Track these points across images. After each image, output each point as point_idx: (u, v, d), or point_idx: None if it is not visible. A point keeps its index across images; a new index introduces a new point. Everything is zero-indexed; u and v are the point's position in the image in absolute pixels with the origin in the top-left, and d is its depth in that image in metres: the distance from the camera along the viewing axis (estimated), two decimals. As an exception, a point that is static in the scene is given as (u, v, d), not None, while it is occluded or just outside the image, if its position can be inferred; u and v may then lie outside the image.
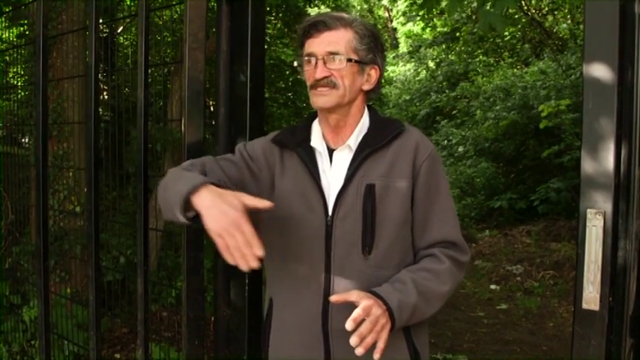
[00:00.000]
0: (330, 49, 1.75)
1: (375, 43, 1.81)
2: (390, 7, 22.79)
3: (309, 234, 1.78)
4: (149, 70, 2.47)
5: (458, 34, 16.39)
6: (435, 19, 17.37)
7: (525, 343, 5.28)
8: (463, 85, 14.41)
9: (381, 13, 24.96)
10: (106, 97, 5.68)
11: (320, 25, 1.77)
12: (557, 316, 6.06)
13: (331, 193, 1.79)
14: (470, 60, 15.88)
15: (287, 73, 10.11)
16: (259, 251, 1.44)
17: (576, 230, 1.73)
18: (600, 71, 1.68)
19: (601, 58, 1.68)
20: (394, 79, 20.66)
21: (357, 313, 1.54)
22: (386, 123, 1.86)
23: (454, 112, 14.66)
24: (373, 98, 1.94)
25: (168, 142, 5.14)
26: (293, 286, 1.81)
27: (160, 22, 5.00)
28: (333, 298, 1.63)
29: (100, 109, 5.67)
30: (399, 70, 21.48)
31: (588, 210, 1.69)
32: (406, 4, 18.21)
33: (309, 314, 1.78)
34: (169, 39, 6.03)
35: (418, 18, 18.12)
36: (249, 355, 2.49)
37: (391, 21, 24.41)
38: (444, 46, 17.62)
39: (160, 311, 4.76)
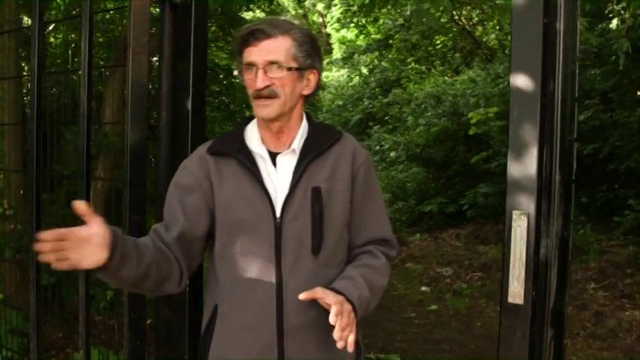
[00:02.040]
0: (270, 58, 1.77)
1: (313, 48, 1.84)
2: (324, 13, 22.98)
3: (257, 238, 1.81)
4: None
5: (391, 41, 16.69)
6: (368, 26, 17.64)
7: (455, 342, 5.46)
8: (396, 92, 14.66)
9: (315, 18, 25.14)
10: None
11: (258, 34, 1.78)
12: (485, 315, 6.28)
13: (278, 197, 1.82)
14: (402, 67, 16.17)
15: (221, 76, 10.09)
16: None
17: (503, 233, 1.86)
18: (525, 83, 1.81)
19: (526, 71, 1.81)
20: (327, 84, 20.81)
21: (336, 308, 1.62)
22: (324, 128, 1.96)
23: (386, 117, 14.90)
24: (311, 101, 2.00)
25: (103, 145, 5.09)
26: (243, 290, 1.82)
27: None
28: (301, 296, 1.67)
29: (27, 111, 5.56)
30: (333, 75, 21.66)
31: (514, 211, 1.82)
32: (341, 10, 18.41)
33: (261, 316, 1.81)
34: (101, 39, 5.97)
35: (352, 25, 18.37)
36: (190, 356, 2.53)
37: (325, 26, 24.62)
38: (377, 53, 17.90)
39: (93, 316, 4.72)
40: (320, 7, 22.48)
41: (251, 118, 1.96)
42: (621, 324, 5.29)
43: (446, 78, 13.80)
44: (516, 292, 1.80)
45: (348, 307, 1.68)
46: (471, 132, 9.25)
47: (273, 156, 1.87)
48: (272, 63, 1.77)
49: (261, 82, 1.77)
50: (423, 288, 7.38)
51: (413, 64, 16.15)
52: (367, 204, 1.93)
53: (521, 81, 1.81)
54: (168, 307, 2.54)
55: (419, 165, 11.82)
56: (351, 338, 1.63)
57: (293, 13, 22.99)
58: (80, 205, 1.48)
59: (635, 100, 8.06)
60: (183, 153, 2.49)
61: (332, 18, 21.27)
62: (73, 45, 5.86)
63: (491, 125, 8.97)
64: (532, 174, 1.80)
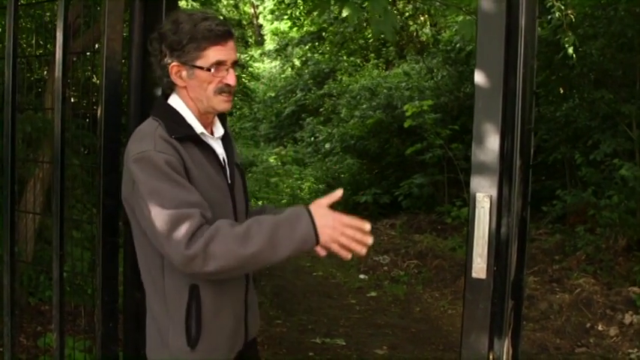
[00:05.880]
0: (235, 58, 1.90)
1: None
2: (256, 4, 22.95)
3: (225, 212, 1.92)
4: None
5: (324, 34, 16.86)
6: (302, 19, 17.76)
7: (396, 326, 5.65)
8: (330, 84, 14.84)
9: (247, 9, 25.06)
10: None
11: (228, 34, 1.86)
12: (423, 301, 6.52)
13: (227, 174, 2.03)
14: (336, 60, 16.34)
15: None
16: (367, 226, 1.78)
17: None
18: (489, 76, 1.97)
19: (489, 65, 1.96)
20: (260, 75, 20.84)
21: None
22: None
23: (320, 110, 15.06)
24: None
25: (48, 130, 5.06)
26: None
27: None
28: None
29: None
30: (265, 67, 21.70)
31: (477, 194, 1.97)
32: (274, 2, 18.47)
33: (236, 290, 2.01)
34: (27, 25, 5.86)
35: (286, 17, 18.47)
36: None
37: (257, 17, 24.59)
38: (309, 45, 18.04)
39: (40, 305, 4.68)
40: (253, -3, 22.47)
41: (164, 101, 1.98)
42: (552, 306, 5.60)
43: (380, 71, 14.05)
44: (479, 267, 1.96)
45: None
46: (406, 124, 9.50)
47: None
48: (235, 62, 1.91)
49: (234, 79, 1.90)
50: (362, 276, 7.56)
51: (345, 56, 16.36)
52: None
53: (485, 74, 1.96)
54: (138, 289, 2.59)
55: (353, 156, 12.01)
56: None
57: (225, 3, 22.86)
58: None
59: (560, 95, 8.46)
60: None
61: (264, 9, 21.30)
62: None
63: (426, 118, 9.24)
64: (495, 160, 1.95)
